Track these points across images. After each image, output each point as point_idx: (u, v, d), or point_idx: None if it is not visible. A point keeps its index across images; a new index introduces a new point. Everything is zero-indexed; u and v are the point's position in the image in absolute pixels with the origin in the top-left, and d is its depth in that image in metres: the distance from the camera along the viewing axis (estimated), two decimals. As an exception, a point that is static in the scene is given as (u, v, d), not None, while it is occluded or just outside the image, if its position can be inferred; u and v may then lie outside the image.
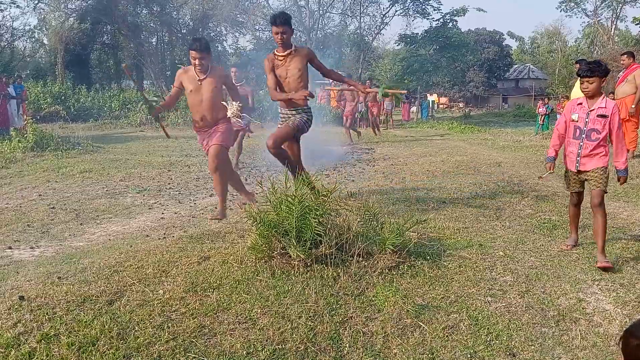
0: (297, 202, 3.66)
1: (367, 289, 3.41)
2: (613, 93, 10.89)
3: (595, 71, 3.77)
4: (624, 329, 1.61)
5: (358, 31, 32.20)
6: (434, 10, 28.01)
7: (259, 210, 3.88)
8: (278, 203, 3.82)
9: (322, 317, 3.02)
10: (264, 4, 30.18)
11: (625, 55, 9.18)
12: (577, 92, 10.21)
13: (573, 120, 3.93)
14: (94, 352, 2.58)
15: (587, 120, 3.84)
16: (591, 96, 3.84)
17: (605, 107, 3.79)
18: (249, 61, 36.35)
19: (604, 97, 3.83)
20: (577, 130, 3.91)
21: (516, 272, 3.71)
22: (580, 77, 3.87)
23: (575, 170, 3.96)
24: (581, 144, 3.88)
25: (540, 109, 17.54)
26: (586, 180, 3.97)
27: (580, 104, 3.92)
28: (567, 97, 16.29)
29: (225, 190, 5.31)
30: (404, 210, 5.47)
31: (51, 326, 2.80)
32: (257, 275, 3.60)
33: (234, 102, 4.87)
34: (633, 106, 8.72)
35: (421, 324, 2.96)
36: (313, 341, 2.78)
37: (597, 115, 3.80)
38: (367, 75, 38.13)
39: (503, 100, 48.62)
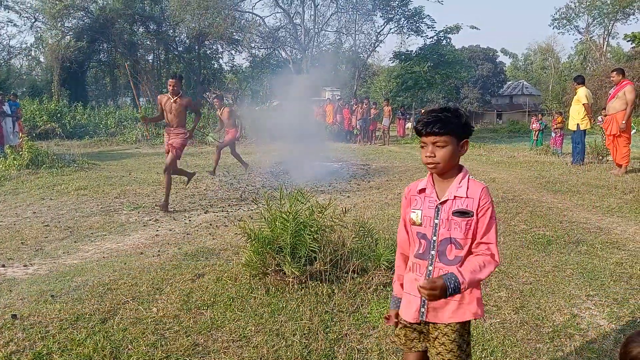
0: (292, 218, 3.67)
1: (362, 305, 3.40)
2: (605, 109, 11.04)
3: (450, 124, 1.96)
4: (621, 341, 1.62)
5: (353, 48, 32.51)
6: (428, 28, 28.35)
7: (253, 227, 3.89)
8: (273, 220, 3.83)
9: (317, 334, 3.01)
10: (259, 22, 30.47)
11: (615, 72, 9.31)
12: (571, 111, 10.35)
13: (413, 223, 2.07)
14: (86, 371, 2.56)
15: (436, 221, 2.01)
16: (442, 172, 2.01)
17: (467, 196, 1.98)
18: (245, 78, 36.64)
19: (465, 176, 2.01)
20: (422, 241, 2.05)
21: (510, 288, 3.72)
22: (420, 135, 2.02)
23: (418, 321, 2.05)
24: (430, 268, 2.02)
25: (534, 125, 17.66)
26: (430, 341, 2.08)
27: (423, 190, 2.07)
28: (560, 113, 16.44)
29: None
30: (398, 226, 5.48)
31: (44, 345, 2.78)
32: (251, 292, 3.59)
33: None
34: (623, 122, 8.82)
35: (416, 340, 2.95)
36: (308, 359, 2.76)
37: (455, 213, 1.98)
38: (363, 92, 38.43)
39: (497, 116, 48.97)
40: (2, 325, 2.99)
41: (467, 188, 1.99)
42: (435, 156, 1.97)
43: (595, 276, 3.95)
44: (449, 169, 2.00)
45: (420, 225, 2.05)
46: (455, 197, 1.98)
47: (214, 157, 10.58)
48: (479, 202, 1.97)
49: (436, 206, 2.01)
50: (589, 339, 3.00)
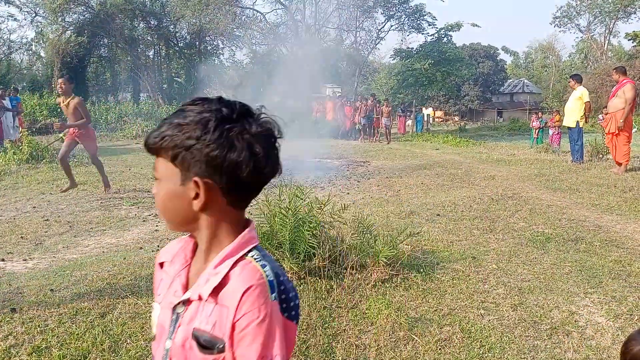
0: (291, 214, 3.67)
1: (360, 301, 3.41)
2: (606, 108, 11.04)
3: (170, 139, 0.96)
4: (619, 338, 1.63)
5: (354, 45, 32.45)
6: (429, 25, 28.32)
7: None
8: (272, 215, 3.83)
9: (315, 329, 3.01)
10: (260, 18, 30.40)
11: (614, 71, 9.35)
12: (570, 108, 10.33)
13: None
14: (85, 365, 2.57)
15: (167, 343, 1.00)
16: (179, 230, 1.04)
17: (216, 301, 0.96)
18: (246, 75, 36.58)
19: (236, 252, 0.98)
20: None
21: (509, 285, 3.72)
22: None
23: None
24: None
25: (534, 123, 17.65)
26: None
27: (172, 262, 1.09)
28: (558, 112, 16.44)
29: None
30: (397, 222, 5.49)
31: (43, 339, 2.79)
32: (250, 287, 3.60)
33: None
34: (621, 120, 8.82)
35: (414, 336, 2.96)
36: (306, 354, 2.77)
37: (195, 336, 0.96)
38: (364, 89, 38.43)
39: (498, 114, 48.95)
40: (2, 319, 3.00)
41: (226, 280, 0.97)
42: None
43: (593, 274, 3.95)
44: (189, 229, 1.04)
45: (154, 339, 1.08)
46: (200, 297, 0.98)
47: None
48: (234, 317, 0.94)
49: (174, 307, 1.02)
50: (587, 336, 3.00)
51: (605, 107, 12.72)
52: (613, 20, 40.73)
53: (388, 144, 19.13)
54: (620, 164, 9.01)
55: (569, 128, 10.41)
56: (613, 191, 7.23)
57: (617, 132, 8.95)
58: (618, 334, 2.99)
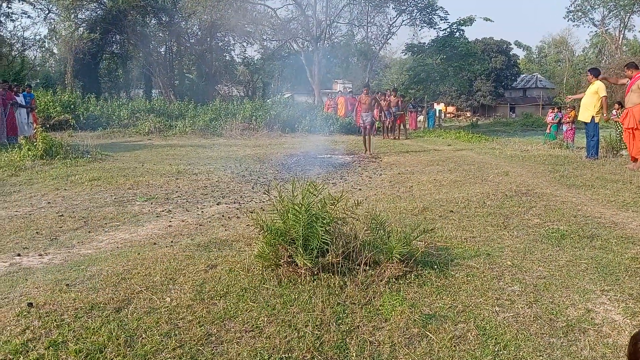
0: (304, 210, 3.66)
1: (374, 298, 3.40)
2: (619, 103, 10.90)
3: None
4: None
5: (365, 40, 32.33)
6: (441, 20, 28.16)
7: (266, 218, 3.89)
8: (285, 211, 3.83)
9: (329, 326, 3.01)
10: (271, 14, 30.37)
11: (625, 68, 9.26)
12: (586, 103, 10.19)
13: None
14: (101, 359, 2.59)
15: None
16: None
17: None
18: (257, 70, 36.60)
19: None
20: None
21: (524, 282, 3.69)
22: None
23: None
24: None
25: (548, 118, 17.44)
26: None
27: None
28: (573, 107, 16.26)
29: None
30: (411, 219, 5.46)
31: (59, 333, 2.82)
32: (263, 283, 3.60)
33: None
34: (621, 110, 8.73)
35: (428, 333, 2.95)
36: (320, 350, 2.77)
37: None
38: (375, 85, 38.31)
39: (511, 110, 48.54)
40: (19, 314, 3.03)
41: None
42: None
43: (610, 271, 3.91)
44: None
45: None
46: None
47: None
48: None
49: None
50: (604, 334, 2.97)
51: (618, 102, 12.57)
52: (628, 14, 40.19)
53: (366, 152, 14.05)
54: (636, 160, 8.89)
55: (585, 123, 10.27)
56: (629, 187, 7.14)
57: (636, 126, 8.82)
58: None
